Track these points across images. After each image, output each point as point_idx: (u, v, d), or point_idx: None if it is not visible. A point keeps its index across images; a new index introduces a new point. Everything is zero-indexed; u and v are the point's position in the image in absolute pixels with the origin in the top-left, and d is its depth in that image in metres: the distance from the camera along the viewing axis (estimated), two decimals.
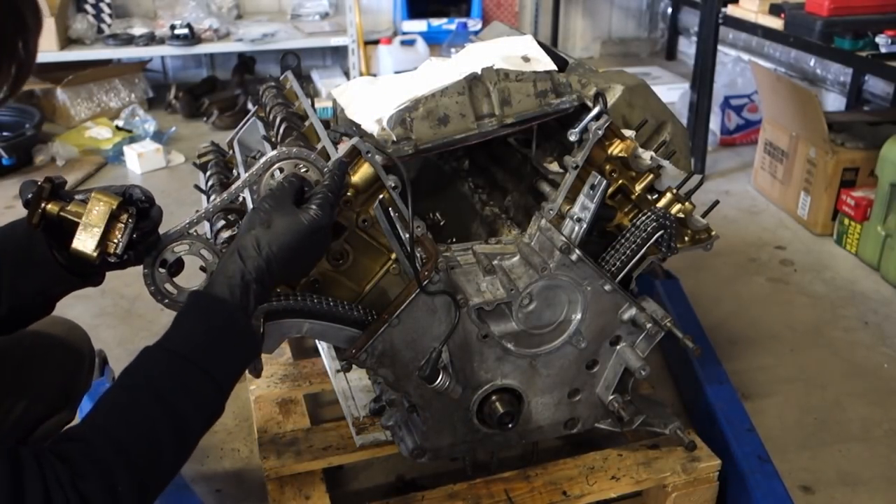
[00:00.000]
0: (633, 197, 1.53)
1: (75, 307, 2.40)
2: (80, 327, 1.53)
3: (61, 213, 1.11)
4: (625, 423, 1.55)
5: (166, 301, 1.23)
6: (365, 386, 1.72)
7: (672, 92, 4.20)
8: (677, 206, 1.53)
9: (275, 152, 1.24)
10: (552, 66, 1.60)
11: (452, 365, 1.38)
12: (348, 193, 1.32)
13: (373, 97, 1.59)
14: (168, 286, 1.23)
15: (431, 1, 4.98)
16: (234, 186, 1.26)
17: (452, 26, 4.90)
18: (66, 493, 0.86)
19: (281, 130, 1.59)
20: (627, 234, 1.46)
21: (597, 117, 1.44)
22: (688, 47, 5.39)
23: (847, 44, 2.72)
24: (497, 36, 1.85)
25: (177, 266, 1.24)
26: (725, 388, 1.93)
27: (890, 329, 2.40)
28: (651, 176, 1.53)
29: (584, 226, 1.38)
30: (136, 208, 1.16)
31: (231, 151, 1.88)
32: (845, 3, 2.79)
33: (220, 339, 1.07)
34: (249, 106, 4.13)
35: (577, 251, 1.38)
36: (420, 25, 4.90)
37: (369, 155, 1.32)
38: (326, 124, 1.62)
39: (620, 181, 1.51)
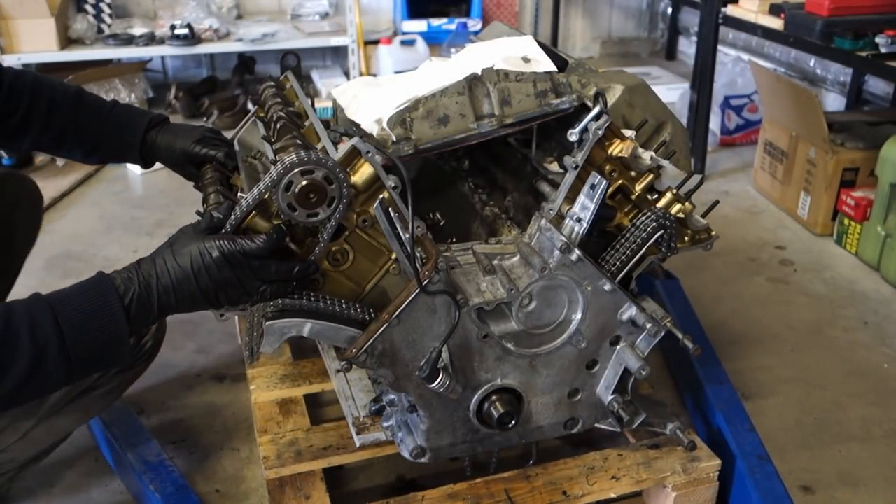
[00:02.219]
0: (633, 197, 1.53)
1: None
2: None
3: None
4: (625, 423, 1.55)
5: None
6: (365, 386, 1.72)
7: (672, 92, 4.20)
8: (677, 206, 1.53)
9: (294, 158, 1.25)
10: (552, 67, 1.60)
11: (452, 365, 1.38)
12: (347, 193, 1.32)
13: (373, 97, 1.59)
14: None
15: (431, 1, 4.98)
16: (251, 195, 1.28)
17: (452, 26, 4.90)
18: None
19: (277, 128, 1.59)
20: (627, 234, 1.46)
21: (597, 117, 1.44)
22: (688, 47, 5.40)
23: (847, 44, 2.72)
24: (497, 36, 1.85)
25: None
26: (725, 388, 1.93)
27: (890, 329, 2.40)
28: (651, 176, 1.53)
29: (584, 226, 1.38)
30: None
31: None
32: (845, 3, 2.79)
33: (93, 332, 1.16)
34: (249, 106, 4.13)
35: (577, 251, 1.38)
36: (420, 25, 4.90)
37: (369, 155, 1.32)
38: (326, 124, 1.63)
39: (620, 181, 1.51)
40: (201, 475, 1.82)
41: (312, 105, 1.73)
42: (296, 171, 1.26)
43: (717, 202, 1.67)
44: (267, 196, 1.29)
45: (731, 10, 3.29)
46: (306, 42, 4.51)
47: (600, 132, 1.44)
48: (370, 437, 1.60)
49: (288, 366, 1.91)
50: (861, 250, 2.78)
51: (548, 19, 5.42)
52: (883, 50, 2.64)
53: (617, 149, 1.48)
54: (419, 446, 1.48)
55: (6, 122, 1.65)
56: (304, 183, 1.26)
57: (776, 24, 3.06)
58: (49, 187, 3.43)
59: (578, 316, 1.45)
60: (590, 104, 1.50)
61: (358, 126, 1.52)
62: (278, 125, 1.58)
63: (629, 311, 1.47)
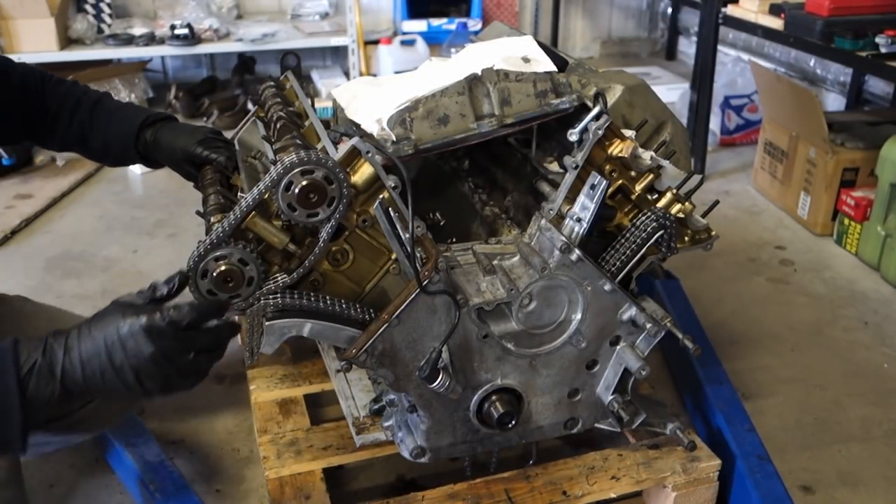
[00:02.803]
0: (633, 197, 1.53)
1: (76, 307, 2.39)
2: None
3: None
4: (625, 423, 1.55)
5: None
6: (365, 386, 1.72)
7: (672, 92, 4.20)
8: (677, 206, 1.53)
9: (294, 158, 1.25)
10: (552, 67, 1.60)
11: (452, 365, 1.38)
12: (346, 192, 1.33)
13: (373, 97, 1.59)
14: (209, 293, 1.31)
15: (431, 1, 4.98)
16: (251, 195, 1.29)
17: (452, 26, 4.90)
18: None
19: (277, 128, 1.59)
20: (627, 234, 1.46)
21: (597, 117, 1.44)
22: (688, 47, 5.40)
23: (847, 44, 2.72)
24: (497, 36, 1.85)
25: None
26: (725, 388, 1.93)
27: (890, 329, 2.40)
28: (651, 176, 1.53)
29: (584, 226, 1.38)
30: None
31: None
32: (845, 3, 2.79)
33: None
34: (249, 106, 4.13)
35: (577, 251, 1.38)
36: (420, 25, 4.90)
37: (369, 155, 1.32)
38: (326, 124, 1.63)
39: (620, 181, 1.51)
40: (201, 475, 1.82)
41: (312, 105, 1.74)
42: (296, 171, 1.26)
43: (717, 202, 1.67)
44: (267, 196, 1.30)
45: (731, 10, 3.29)
46: (306, 42, 4.51)
47: (600, 132, 1.44)
48: (370, 437, 1.60)
49: (288, 366, 1.91)
50: (861, 250, 2.78)
51: (548, 19, 5.42)
52: (883, 50, 2.64)
53: (617, 149, 1.48)
54: (419, 446, 1.48)
55: (42, 121, 1.71)
56: (304, 183, 1.26)
57: (776, 24, 3.06)
58: (49, 187, 3.43)
59: (578, 316, 1.45)
60: (590, 104, 1.50)
61: (358, 126, 1.52)
62: (278, 125, 1.58)
63: (629, 312, 1.47)
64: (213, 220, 1.46)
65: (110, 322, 1.09)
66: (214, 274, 1.29)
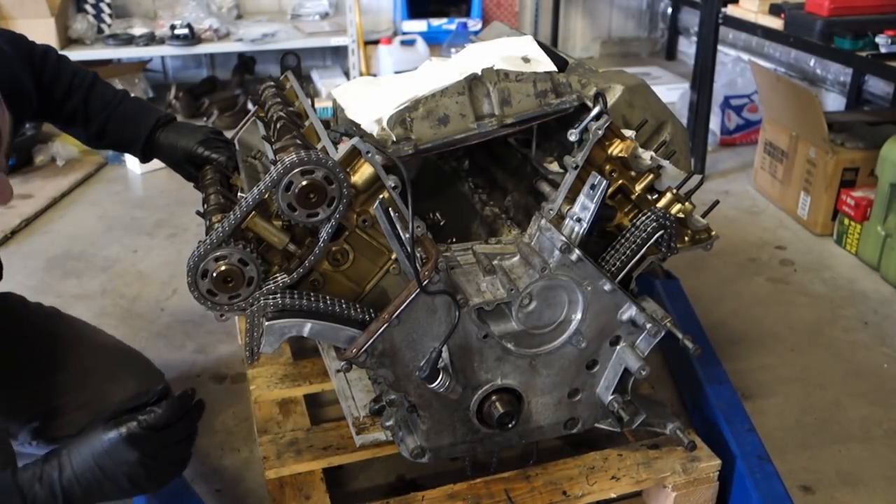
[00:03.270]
0: (633, 197, 1.53)
1: (76, 307, 2.40)
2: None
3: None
4: (625, 423, 1.55)
5: (208, 304, 1.33)
6: (365, 386, 1.72)
7: (672, 92, 4.20)
8: (677, 206, 1.53)
9: (294, 158, 1.26)
10: (552, 67, 1.60)
11: (452, 365, 1.38)
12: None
13: (373, 97, 1.59)
14: (209, 293, 1.32)
15: (431, 1, 4.98)
16: (251, 195, 1.29)
17: (452, 26, 4.90)
18: None
19: (277, 128, 1.59)
20: (627, 234, 1.46)
21: (597, 117, 1.44)
22: (688, 47, 5.40)
23: (847, 44, 2.72)
24: (497, 36, 1.85)
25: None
26: (725, 388, 1.93)
27: (890, 329, 2.40)
28: (651, 176, 1.53)
29: (585, 226, 1.38)
30: None
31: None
32: (845, 3, 2.79)
33: None
34: (249, 106, 4.13)
35: (577, 251, 1.38)
36: (420, 25, 4.90)
37: (369, 155, 1.32)
38: (326, 124, 1.63)
39: (620, 181, 1.51)
40: (201, 475, 1.82)
41: (312, 105, 1.73)
42: (296, 171, 1.26)
43: (717, 202, 1.67)
44: (267, 196, 1.30)
45: (731, 10, 3.29)
46: (306, 42, 4.51)
47: (600, 132, 1.44)
48: (370, 437, 1.60)
49: (288, 366, 1.91)
50: (861, 250, 2.78)
51: (548, 19, 5.42)
52: (883, 50, 2.64)
53: (617, 149, 1.48)
54: (419, 446, 1.48)
55: (48, 100, 1.73)
56: (304, 183, 1.26)
57: (776, 24, 3.06)
58: (49, 187, 3.43)
59: (578, 316, 1.45)
60: (590, 104, 1.50)
61: (358, 126, 1.52)
62: (278, 125, 1.58)
63: (629, 312, 1.47)
64: (213, 220, 1.46)
65: (95, 437, 1.21)
66: (214, 274, 1.30)
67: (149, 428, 1.21)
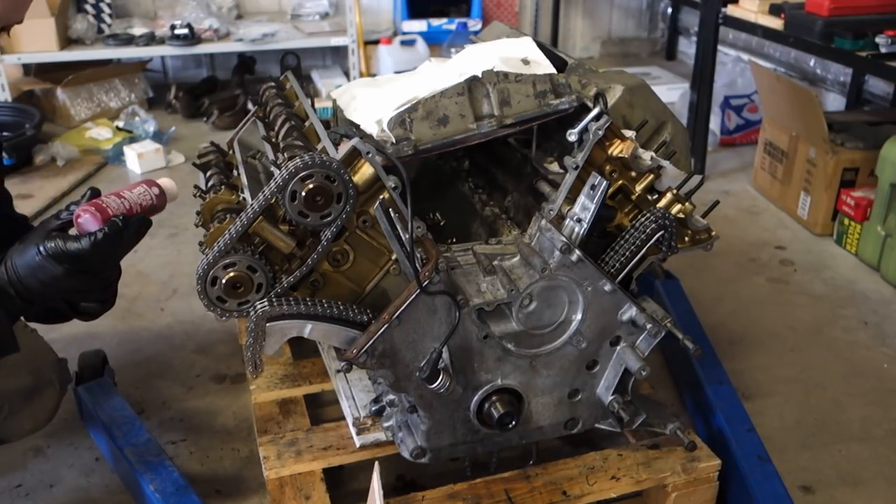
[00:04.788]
0: (634, 197, 1.53)
1: None
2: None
3: None
4: (625, 423, 1.55)
5: (218, 311, 1.34)
6: (365, 386, 1.72)
7: (672, 92, 4.20)
8: (677, 207, 1.53)
9: (298, 162, 1.26)
10: (551, 70, 1.60)
11: (452, 365, 1.38)
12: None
13: (373, 98, 1.59)
14: (219, 300, 1.33)
15: (431, 1, 4.98)
16: (256, 202, 1.29)
17: (452, 26, 4.90)
18: None
19: (283, 131, 1.60)
20: (627, 235, 1.46)
21: (597, 118, 1.44)
22: (688, 47, 5.40)
23: (847, 44, 2.72)
24: (497, 36, 1.85)
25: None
26: (725, 388, 1.93)
27: (890, 329, 2.40)
28: (651, 176, 1.53)
29: (585, 226, 1.38)
30: None
31: (231, 151, 1.88)
32: (845, 3, 2.79)
33: None
34: (249, 106, 4.13)
35: (577, 251, 1.38)
36: (420, 25, 4.90)
37: (369, 155, 1.32)
38: (326, 125, 1.63)
39: (620, 181, 1.51)
40: (201, 475, 1.82)
41: (312, 105, 1.74)
42: (301, 174, 1.26)
43: (717, 202, 1.67)
44: (273, 201, 1.29)
45: (731, 10, 3.29)
46: (306, 42, 4.50)
47: (600, 132, 1.44)
48: (370, 438, 1.61)
49: (288, 366, 1.91)
50: (861, 250, 2.78)
51: (548, 19, 5.42)
52: (883, 50, 2.64)
53: (617, 149, 1.48)
54: (419, 446, 1.48)
55: None
56: (311, 186, 1.26)
57: (776, 24, 3.06)
58: (49, 187, 3.43)
59: (579, 316, 1.45)
60: (590, 104, 1.50)
61: (358, 127, 1.52)
62: (285, 126, 1.59)
63: (629, 312, 1.47)
64: (212, 227, 1.46)
65: (28, 249, 1.30)
66: (224, 281, 1.29)
67: (70, 252, 1.28)
